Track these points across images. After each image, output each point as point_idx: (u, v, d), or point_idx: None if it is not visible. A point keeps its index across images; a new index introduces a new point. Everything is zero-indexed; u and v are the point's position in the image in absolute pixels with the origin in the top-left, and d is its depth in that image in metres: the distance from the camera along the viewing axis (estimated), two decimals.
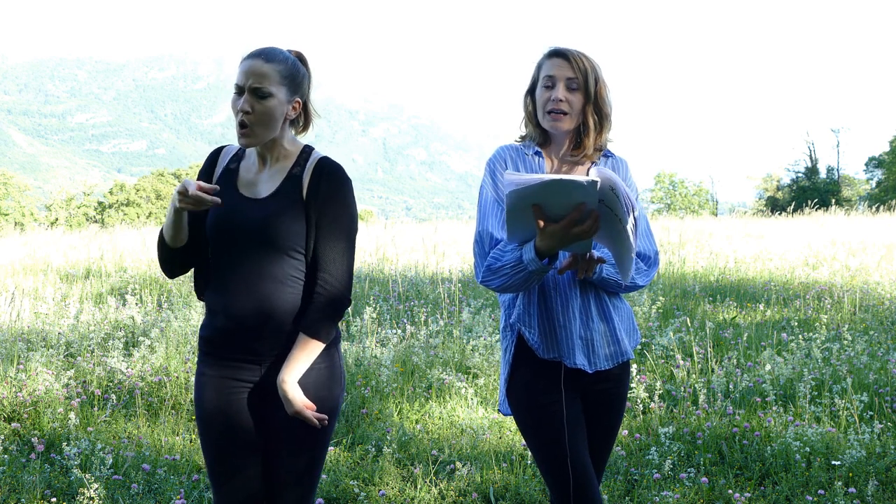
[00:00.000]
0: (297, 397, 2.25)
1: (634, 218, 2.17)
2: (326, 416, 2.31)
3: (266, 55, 2.27)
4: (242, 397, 2.35)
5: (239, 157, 2.42)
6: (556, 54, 2.43)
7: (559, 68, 2.41)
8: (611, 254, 2.35)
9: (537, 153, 2.49)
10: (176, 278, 2.45)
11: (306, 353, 2.26)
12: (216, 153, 2.47)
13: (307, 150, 2.37)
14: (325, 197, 2.28)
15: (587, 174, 2.49)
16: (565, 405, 2.41)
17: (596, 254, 2.32)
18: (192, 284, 2.42)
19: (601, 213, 2.16)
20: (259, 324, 2.29)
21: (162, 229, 2.36)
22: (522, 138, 2.56)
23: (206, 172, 2.45)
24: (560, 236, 2.17)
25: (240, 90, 2.26)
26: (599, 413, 2.53)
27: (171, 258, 2.39)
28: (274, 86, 2.25)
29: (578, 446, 2.40)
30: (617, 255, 2.29)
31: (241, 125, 2.26)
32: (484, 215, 2.45)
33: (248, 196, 2.33)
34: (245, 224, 2.28)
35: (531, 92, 2.50)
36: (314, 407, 2.28)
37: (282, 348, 2.31)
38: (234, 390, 2.34)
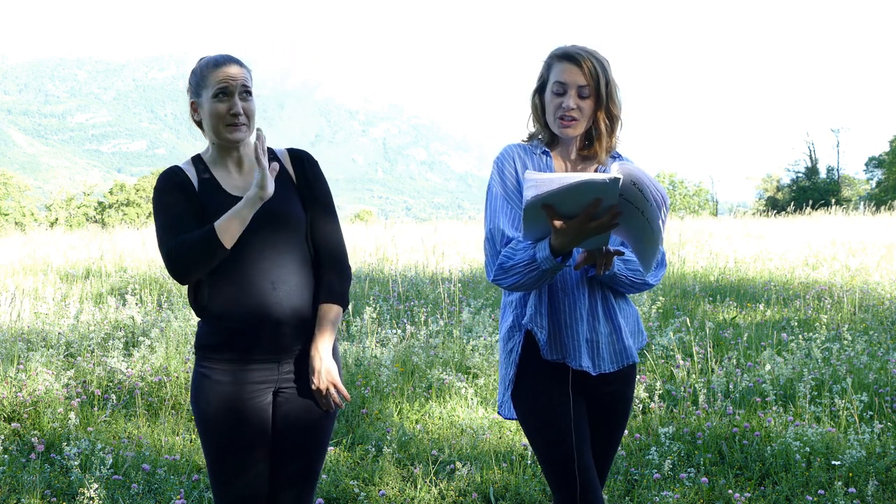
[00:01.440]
0: (333, 369, 2.35)
1: (666, 209, 2.15)
2: (348, 395, 2.41)
3: (237, 60, 2.41)
4: (256, 399, 2.36)
5: (204, 168, 2.44)
6: (567, 58, 2.40)
7: (570, 74, 2.38)
8: (631, 248, 2.34)
9: (545, 152, 2.47)
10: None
11: (333, 322, 2.38)
12: (177, 174, 2.42)
13: (271, 150, 2.51)
14: (313, 179, 2.48)
15: (604, 171, 2.48)
16: (572, 408, 2.40)
17: (612, 248, 2.31)
18: (188, 292, 2.43)
19: (622, 207, 2.14)
20: (277, 320, 2.33)
21: (215, 231, 2.26)
22: (530, 137, 2.54)
23: (183, 191, 2.39)
24: (575, 233, 2.16)
25: (227, 93, 2.34)
26: (604, 415, 2.52)
27: (217, 258, 2.31)
28: (251, 85, 2.42)
29: (582, 448, 2.39)
30: (638, 249, 2.28)
31: (235, 125, 2.36)
32: (494, 213, 2.43)
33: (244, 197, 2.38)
34: (256, 220, 2.31)
35: (539, 91, 2.48)
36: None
37: (303, 342, 2.38)
38: (248, 394, 2.35)
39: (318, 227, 2.44)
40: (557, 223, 2.15)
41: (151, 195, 2.44)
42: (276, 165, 2.34)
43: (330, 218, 2.48)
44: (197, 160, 2.47)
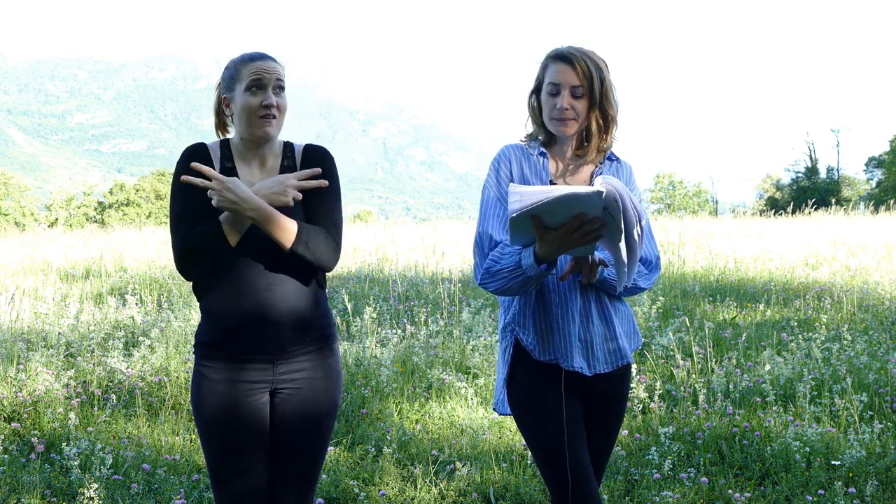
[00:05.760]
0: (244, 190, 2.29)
1: (641, 227, 2.17)
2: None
3: (271, 57, 2.41)
4: (252, 398, 2.35)
5: (229, 156, 2.43)
6: (561, 58, 2.42)
7: (563, 75, 2.40)
8: (612, 258, 2.36)
9: (542, 154, 2.49)
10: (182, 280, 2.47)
11: (283, 220, 2.29)
12: (201, 151, 2.42)
13: (289, 144, 2.49)
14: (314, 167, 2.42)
15: (591, 178, 2.49)
16: (565, 406, 2.41)
17: (598, 256, 2.32)
18: (192, 287, 2.42)
19: (604, 220, 2.16)
20: (275, 321, 2.32)
21: (215, 230, 2.29)
22: (528, 137, 2.56)
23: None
24: (559, 243, 2.18)
25: (261, 86, 2.34)
26: (599, 414, 2.53)
27: (221, 255, 2.34)
28: (285, 81, 2.40)
29: (578, 447, 2.40)
30: (617, 262, 2.30)
31: (266, 118, 2.35)
32: (485, 216, 2.45)
33: None
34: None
35: (536, 91, 2.50)
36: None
37: (294, 344, 2.35)
38: (244, 392, 2.34)
39: (314, 209, 2.38)
40: (542, 233, 2.17)
41: (171, 177, 2.39)
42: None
43: (327, 200, 2.40)
44: (224, 144, 2.45)
